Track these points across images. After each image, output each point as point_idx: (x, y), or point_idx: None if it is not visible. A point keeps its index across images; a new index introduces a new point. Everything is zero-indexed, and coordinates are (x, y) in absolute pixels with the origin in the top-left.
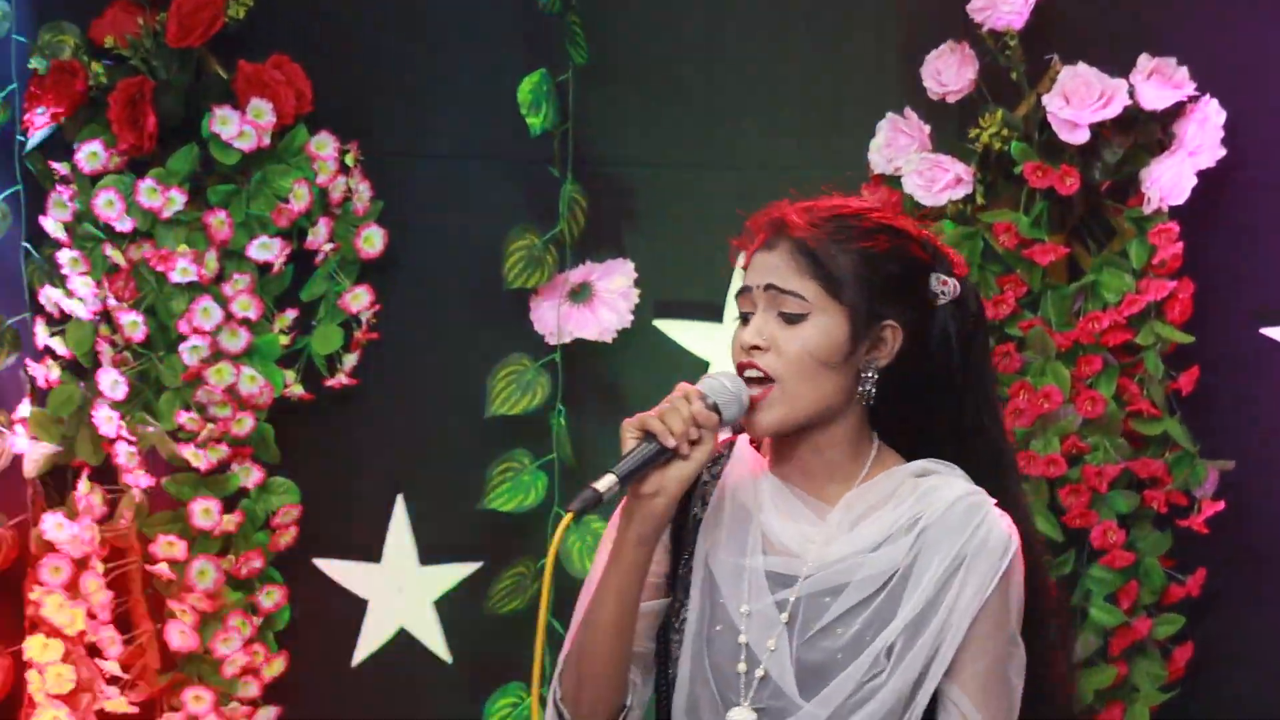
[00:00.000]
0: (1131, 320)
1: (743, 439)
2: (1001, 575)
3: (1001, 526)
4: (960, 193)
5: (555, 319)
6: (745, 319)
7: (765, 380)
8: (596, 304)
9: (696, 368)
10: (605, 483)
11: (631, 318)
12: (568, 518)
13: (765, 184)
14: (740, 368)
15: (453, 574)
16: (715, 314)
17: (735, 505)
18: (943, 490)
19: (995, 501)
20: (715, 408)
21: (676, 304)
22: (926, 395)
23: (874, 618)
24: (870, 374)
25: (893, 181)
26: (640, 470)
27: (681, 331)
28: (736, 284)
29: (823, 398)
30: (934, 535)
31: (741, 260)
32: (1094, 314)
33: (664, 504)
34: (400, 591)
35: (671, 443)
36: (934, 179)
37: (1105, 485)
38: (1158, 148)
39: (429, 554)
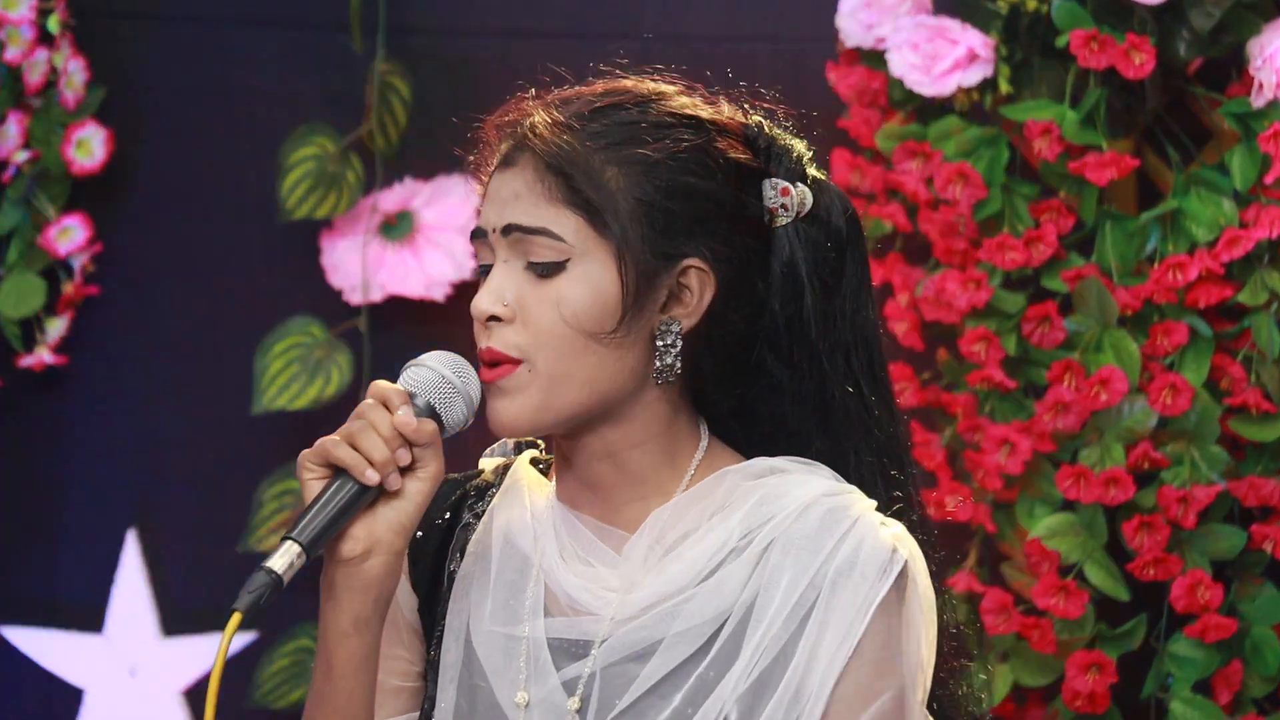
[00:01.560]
0: (1233, 268)
1: (521, 459)
2: (880, 605)
3: (879, 536)
4: (975, 76)
5: (360, 266)
6: (484, 274)
7: (510, 361)
8: (421, 244)
9: None
10: (283, 558)
11: (474, 263)
12: (235, 619)
13: (673, 59)
14: (482, 355)
15: (211, 650)
16: None
17: (507, 552)
18: (792, 492)
19: (877, 504)
20: (432, 411)
21: None
22: (770, 366)
23: (700, 685)
24: (670, 341)
25: (873, 59)
26: (334, 526)
27: None
28: None
29: (599, 379)
30: (780, 555)
31: (477, 192)
32: (1176, 259)
33: (381, 566)
34: (133, 675)
35: (373, 477)
36: (935, 55)
37: (1193, 517)
38: (1273, 7)
39: (176, 620)
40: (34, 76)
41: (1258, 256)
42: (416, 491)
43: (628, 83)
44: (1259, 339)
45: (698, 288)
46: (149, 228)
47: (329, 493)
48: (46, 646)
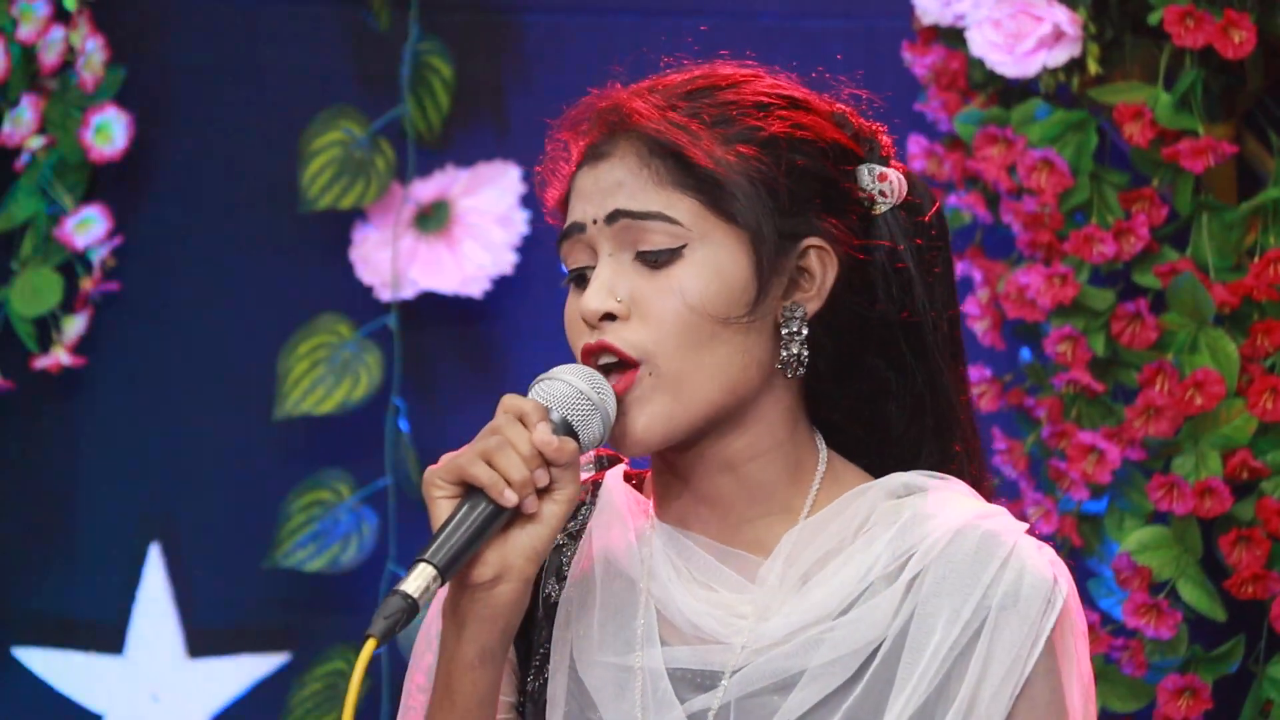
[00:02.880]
0: None
1: (613, 475)
2: (1049, 639)
3: (1039, 564)
4: (1061, 56)
5: (391, 261)
6: (581, 279)
7: (627, 366)
8: (458, 236)
9: None
10: (418, 581)
11: (516, 258)
12: (370, 645)
13: (739, 41)
14: (586, 354)
15: (240, 673)
16: None
17: (610, 577)
18: (942, 514)
19: (1027, 527)
20: (568, 428)
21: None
22: (879, 366)
23: (851, 719)
24: (796, 328)
25: (952, 38)
26: (469, 549)
27: None
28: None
29: (727, 371)
30: (935, 584)
31: (554, 196)
32: (1278, 252)
33: (511, 593)
34: (155, 700)
35: (511, 498)
36: (1019, 34)
37: None
38: None
39: (201, 641)
40: (50, 57)
41: None
42: (552, 515)
43: (709, 68)
44: None
45: (819, 269)
46: (173, 219)
47: (462, 514)
48: (63, 669)
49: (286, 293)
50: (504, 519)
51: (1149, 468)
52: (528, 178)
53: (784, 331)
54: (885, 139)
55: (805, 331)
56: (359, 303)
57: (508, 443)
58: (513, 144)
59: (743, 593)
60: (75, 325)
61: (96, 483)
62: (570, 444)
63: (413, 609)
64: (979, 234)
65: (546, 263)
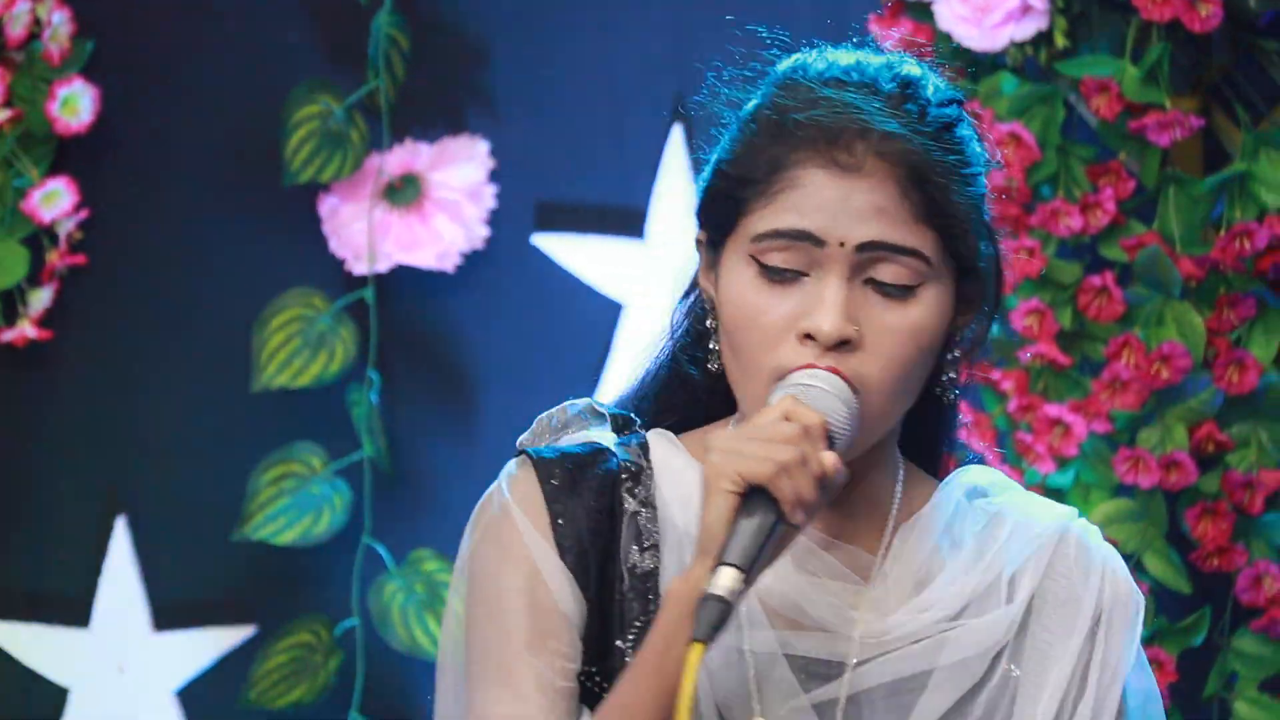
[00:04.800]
0: None
1: (667, 442)
2: (1139, 640)
3: (1124, 568)
4: (1029, 29)
5: (365, 234)
6: (777, 279)
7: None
8: (430, 209)
9: (603, 313)
10: (727, 582)
11: (487, 231)
12: (698, 650)
13: (707, 13)
14: (805, 370)
15: (206, 646)
16: (628, 225)
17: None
18: (1034, 514)
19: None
20: (831, 443)
21: (564, 209)
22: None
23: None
24: (956, 354)
25: (920, 11)
26: (760, 555)
27: (576, 253)
28: (678, 180)
29: (908, 403)
30: (1048, 589)
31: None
32: (1244, 225)
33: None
34: (122, 673)
35: (801, 519)
36: (986, 7)
37: (1260, 504)
38: None
39: (168, 614)
40: (15, 29)
41: None
42: (798, 533)
43: (900, 64)
44: None
45: (977, 296)
46: (139, 192)
47: (755, 520)
48: (29, 642)
49: (257, 266)
50: (781, 531)
51: (1115, 441)
52: (495, 152)
53: (949, 356)
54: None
55: (959, 358)
56: (332, 276)
57: (807, 460)
58: (481, 118)
59: (849, 583)
60: (41, 298)
61: (63, 456)
62: (844, 469)
63: (729, 611)
64: None
65: (516, 237)
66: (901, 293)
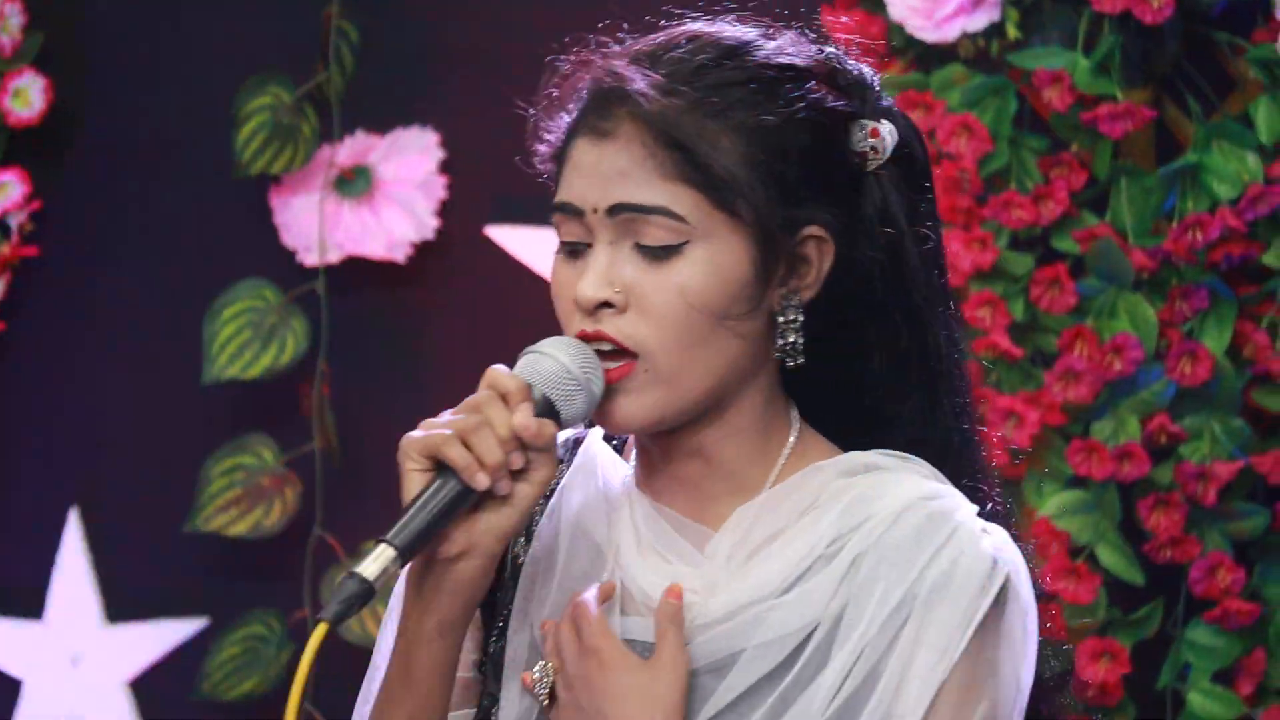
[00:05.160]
0: (1257, 227)
1: (595, 435)
2: (978, 626)
3: (980, 547)
4: (981, 20)
5: (316, 225)
6: (573, 252)
7: (624, 354)
8: (380, 201)
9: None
10: (375, 563)
11: (437, 222)
12: (321, 629)
13: (657, 8)
14: (581, 338)
15: (159, 637)
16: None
17: (578, 541)
18: (889, 494)
19: (980, 509)
20: (549, 406)
21: (519, 200)
22: (866, 328)
23: (781, 705)
24: (793, 317)
25: (871, 2)
26: (433, 529)
27: (529, 244)
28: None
29: (721, 367)
30: (872, 567)
31: (542, 149)
32: (1196, 217)
33: (475, 569)
34: (75, 665)
35: (483, 481)
36: (938, 0)
37: (1213, 495)
38: None
39: (121, 606)
40: None
41: None
42: (524, 496)
43: (704, 28)
44: None
45: (816, 257)
46: (91, 184)
47: (430, 492)
48: None
49: (208, 258)
50: (473, 499)
51: (1068, 432)
52: (445, 144)
53: (781, 320)
54: (871, 74)
55: (802, 318)
56: (283, 268)
57: (486, 423)
58: (431, 110)
59: (695, 566)
60: None
61: (16, 448)
62: (550, 427)
63: (369, 592)
64: None
65: (468, 229)
66: (663, 253)
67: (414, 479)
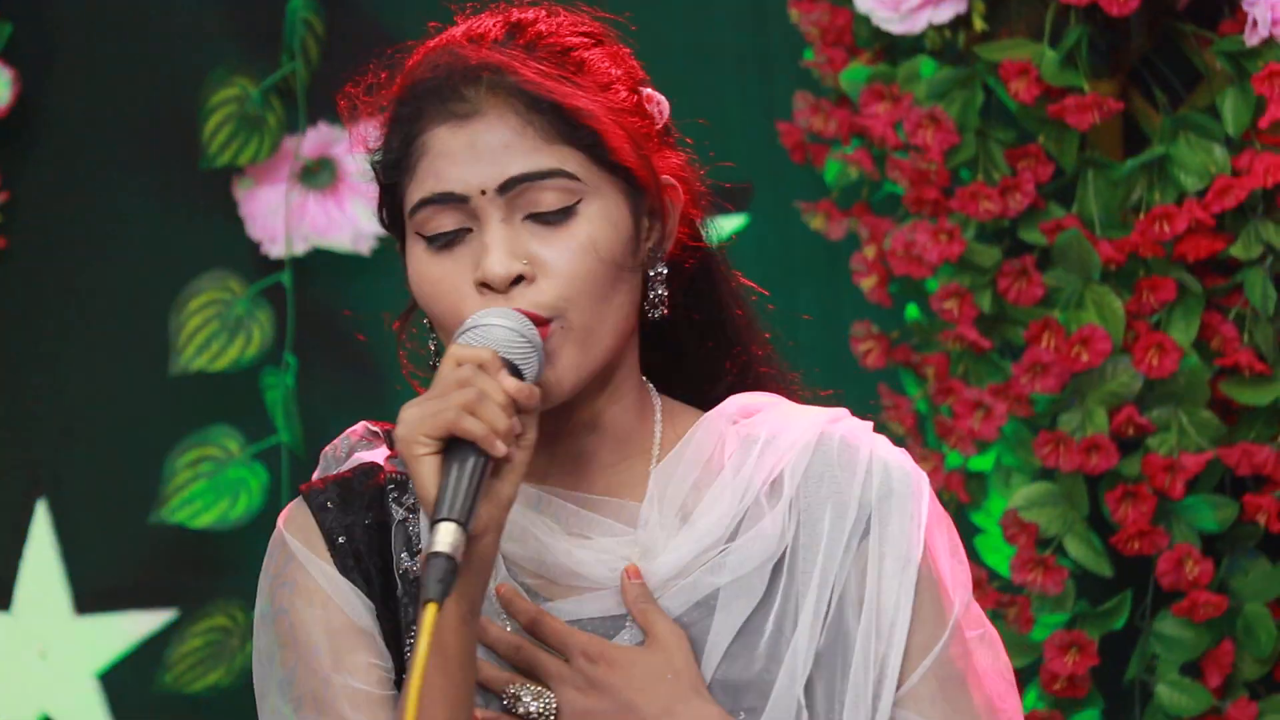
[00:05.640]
0: (1224, 219)
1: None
2: (927, 525)
3: (899, 457)
4: (947, 12)
5: (281, 217)
6: (446, 245)
7: (540, 322)
8: (345, 193)
9: None
10: (449, 538)
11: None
12: (432, 610)
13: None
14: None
15: (127, 629)
16: None
17: None
18: (794, 426)
19: (872, 425)
20: (516, 371)
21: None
22: (690, 285)
23: (779, 630)
24: (660, 268)
25: None
26: (476, 503)
27: None
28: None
29: (620, 321)
30: (813, 491)
31: (380, 154)
32: (1163, 209)
33: (492, 545)
34: (43, 657)
35: (503, 448)
36: None
37: (1181, 487)
38: None
39: (89, 597)
40: None
41: (1251, 207)
42: (520, 463)
43: (513, 11)
44: (1252, 296)
45: (670, 207)
46: (58, 175)
47: (458, 469)
48: None
49: (174, 249)
50: (489, 469)
51: (1035, 424)
52: None
53: (651, 273)
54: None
55: (665, 271)
56: (249, 259)
57: (485, 393)
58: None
59: (619, 536)
60: None
61: None
62: (534, 390)
63: (455, 566)
64: (865, 191)
65: None
66: (560, 215)
67: (427, 462)
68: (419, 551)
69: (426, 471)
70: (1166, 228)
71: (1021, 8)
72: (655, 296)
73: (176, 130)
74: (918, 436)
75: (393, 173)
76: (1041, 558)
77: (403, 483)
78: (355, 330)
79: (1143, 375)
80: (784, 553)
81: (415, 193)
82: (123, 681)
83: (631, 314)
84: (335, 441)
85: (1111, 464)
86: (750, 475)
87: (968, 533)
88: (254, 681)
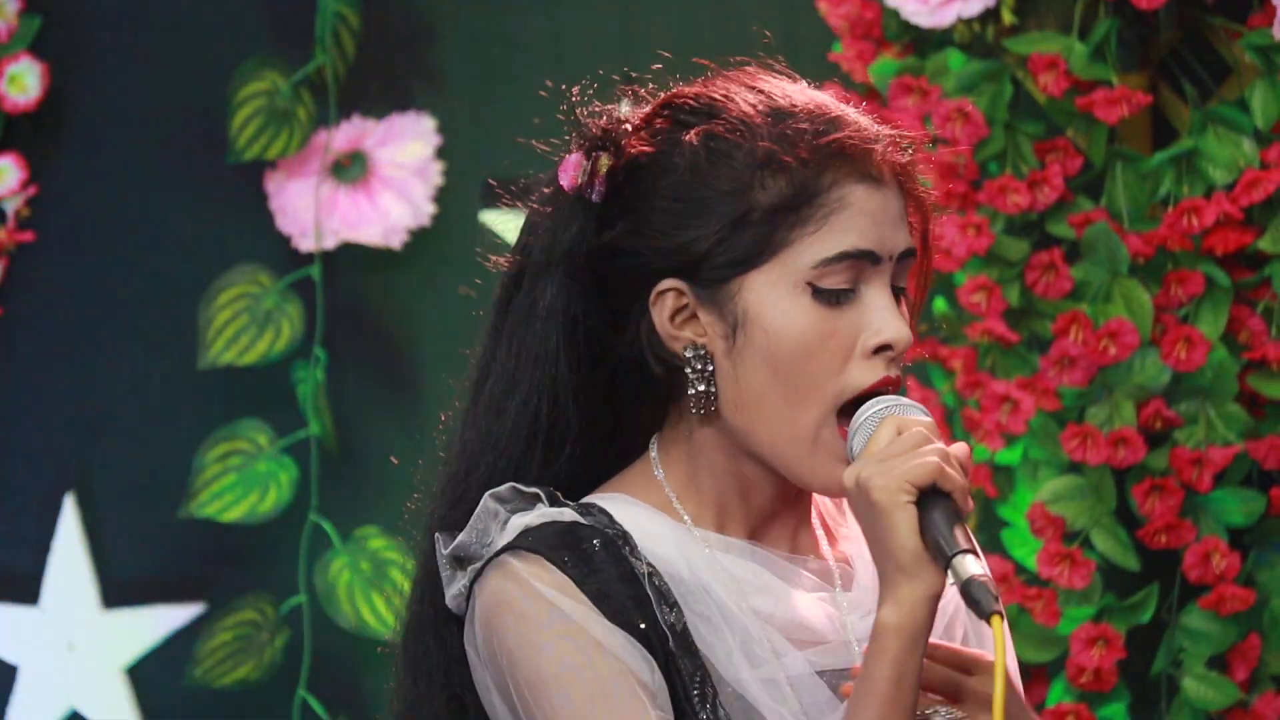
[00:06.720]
0: (1253, 213)
1: (613, 500)
2: None
3: None
4: (976, 6)
5: (312, 211)
6: (835, 300)
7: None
8: (376, 187)
9: None
10: (972, 566)
11: (433, 209)
12: (998, 621)
13: None
14: (882, 387)
15: (155, 623)
16: None
17: (705, 596)
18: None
19: None
20: None
21: (513, 185)
22: None
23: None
24: None
25: None
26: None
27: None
28: None
29: None
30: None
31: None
32: (1191, 202)
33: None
34: (71, 651)
35: (971, 505)
36: None
37: (1209, 480)
38: None
39: (117, 592)
40: None
41: (1279, 200)
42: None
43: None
44: None
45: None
46: (88, 169)
47: (941, 514)
48: None
49: (203, 243)
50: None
51: (1063, 418)
52: (442, 130)
53: None
54: None
55: None
56: (278, 253)
57: (951, 454)
58: (428, 95)
59: (825, 593)
60: None
61: (11, 433)
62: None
63: (988, 583)
64: None
65: (464, 215)
66: (902, 293)
67: (910, 510)
68: (674, 604)
69: (907, 520)
70: (1195, 221)
71: (1051, 1)
72: None
73: (206, 123)
74: (945, 430)
75: (784, 216)
76: (1068, 551)
77: (625, 537)
78: (386, 323)
79: (1170, 369)
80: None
81: (828, 244)
82: (151, 676)
83: None
84: (478, 510)
85: (1139, 457)
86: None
87: (995, 527)
88: None
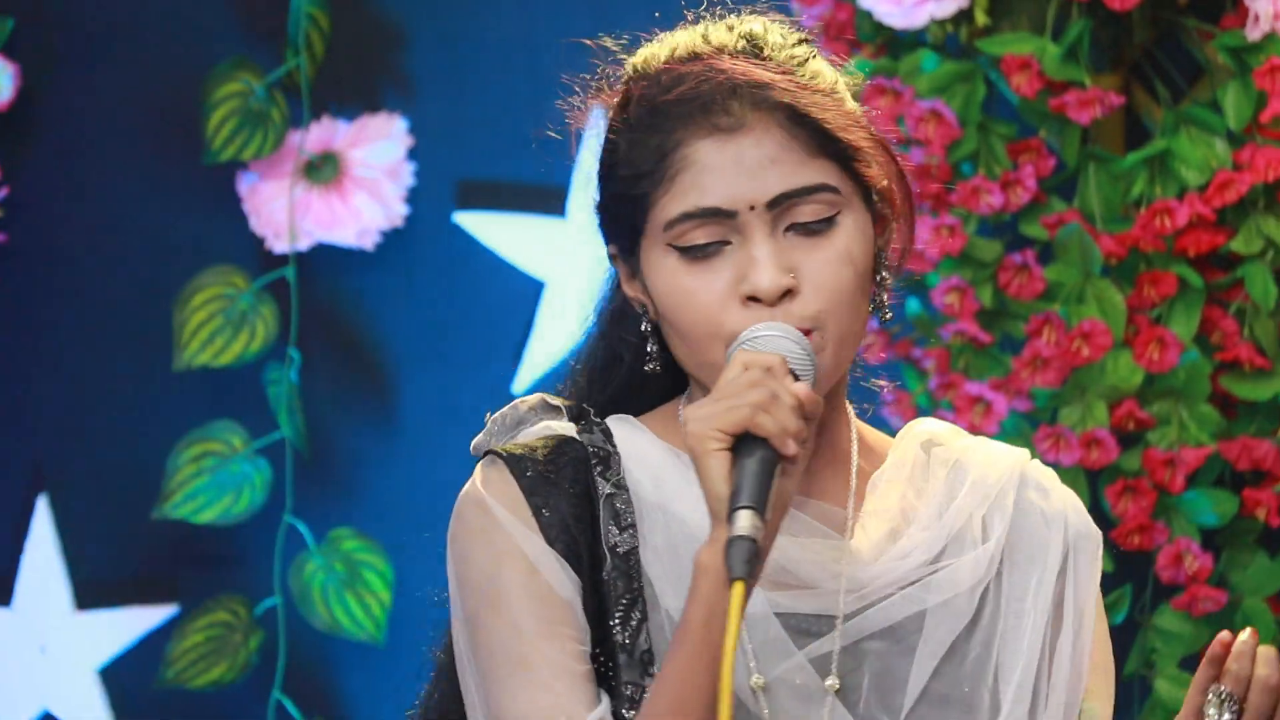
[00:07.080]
0: (1225, 214)
1: (620, 421)
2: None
3: (1081, 505)
4: (949, 6)
5: (285, 212)
6: (701, 256)
7: (804, 334)
8: (349, 187)
9: (524, 291)
10: (746, 522)
11: (406, 210)
12: (739, 589)
13: None
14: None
15: (128, 624)
16: (549, 203)
17: (681, 531)
18: (992, 462)
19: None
20: (797, 380)
21: (485, 187)
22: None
23: (986, 651)
24: (885, 274)
25: None
26: (768, 495)
27: (498, 231)
28: (586, 162)
29: (860, 333)
30: (1019, 532)
31: (625, 171)
32: (1164, 203)
33: (772, 542)
34: (43, 653)
35: (794, 448)
36: None
37: (1181, 481)
38: None
39: (89, 593)
40: None
41: (1252, 201)
42: (802, 465)
43: (753, 26)
44: (1252, 290)
45: (887, 209)
46: (61, 170)
47: (751, 464)
48: None
49: (178, 244)
50: (778, 468)
51: (1036, 418)
52: (414, 130)
53: (879, 278)
54: None
55: (888, 277)
56: (252, 254)
57: (778, 397)
58: (399, 96)
59: (827, 539)
60: None
61: None
62: (819, 400)
63: (758, 549)
64: None
65: (436, 215)
66: (823, 225)
67: (719, 458)
68: (628, 527)
69: (717, 466)
70: (1167, 222)
71: (1024, 2)
72: (879, 301)
73: (180, 125)
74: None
75: (641, 183)
76: None
77: (605, 458)
78: (359, 324)
79: (1143, 369)
80: (988, 584)
81: (674, 205)
82: (124, 677)
83: (867, 320)
84: (504, 410)
85: (1111, 458)
86: (963, 503)
87: None
88: (453, 646)
